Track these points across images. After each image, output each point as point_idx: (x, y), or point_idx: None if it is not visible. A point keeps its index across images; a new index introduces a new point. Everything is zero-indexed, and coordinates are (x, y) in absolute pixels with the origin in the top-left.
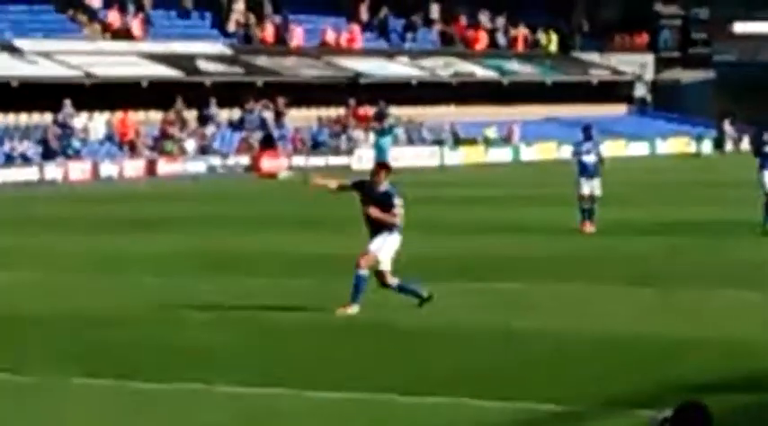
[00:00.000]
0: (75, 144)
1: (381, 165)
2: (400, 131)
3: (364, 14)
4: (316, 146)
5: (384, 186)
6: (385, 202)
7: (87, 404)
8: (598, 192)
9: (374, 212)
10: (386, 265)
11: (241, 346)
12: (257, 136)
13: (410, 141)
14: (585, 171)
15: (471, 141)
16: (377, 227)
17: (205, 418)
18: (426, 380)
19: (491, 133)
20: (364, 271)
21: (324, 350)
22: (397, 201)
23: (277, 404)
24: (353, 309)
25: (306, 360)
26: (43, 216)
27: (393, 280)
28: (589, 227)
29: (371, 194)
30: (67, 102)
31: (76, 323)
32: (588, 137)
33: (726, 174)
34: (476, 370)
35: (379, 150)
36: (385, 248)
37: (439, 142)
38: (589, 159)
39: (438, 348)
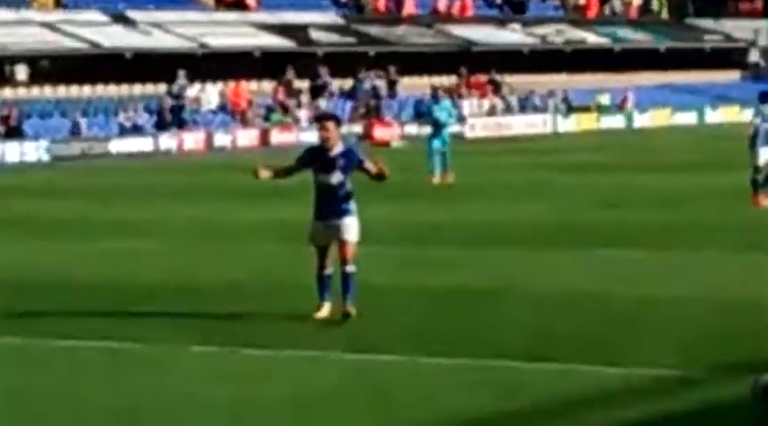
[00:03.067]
0: (189, 114)
1: (326, 117)
2: (513, 99)
3: None
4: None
5: (340, 147)
6: (347, 166)
7: (206, 371)
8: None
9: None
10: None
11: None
12: (370, 105)
13: (522, 109)
14: (762, 139)
15: (584, 108)
16: (338, 203)
17: (321, 384)
18: (541, 346)
19: (604, 100)
20: (351, 268)
21: (436, 316)
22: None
23: (390, 371)
24: (326, 310)
25: (419, 327)
26: (159, 185)
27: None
28: (764, 200)
29: (326, 160)
30: (182, 73)
31: (193, 292)
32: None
33: None
34: (589, 337)
35: (434, 122)
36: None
37: (552, 109)
38: (763, 125)
39: (557, 313)
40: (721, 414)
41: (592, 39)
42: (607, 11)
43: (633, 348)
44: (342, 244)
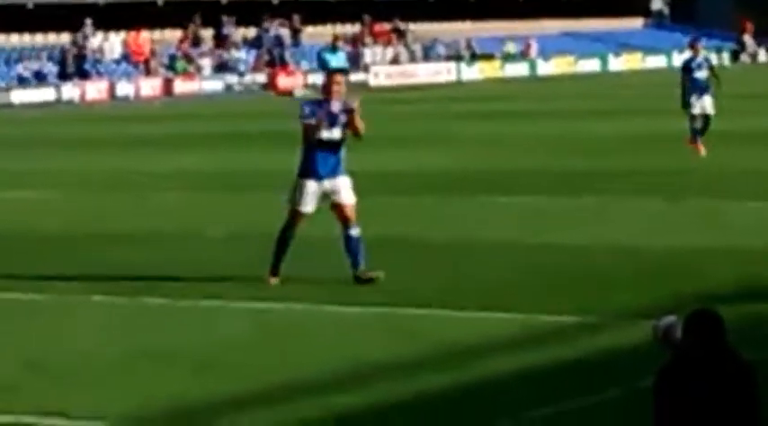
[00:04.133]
0: (91, 64)
1: (338, 69)
2: (417, 48)
3: None
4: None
5: (341, 101)
6: (346, 121)
7: (106, 321)
8: (711, 111)
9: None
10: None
11: (261, 262)
12: (273, 54)
13: (426, 57)
14: (696, 87)
15: (488, 56)
16: (339, 161)
17: (222, 331)
18: (445, 294)
19: (511, 48)
20: (358, 229)
21: (340, 265)
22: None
23: (296, 318)
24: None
25: (329, 276)
26: (61, 136)
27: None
28: (702, 148)
29: (330, 115)
30: (88, 22)
31: (96, 242)
32: (696, 51)
33: (742, 86)
34: (492, 284)
35: (326, 67)
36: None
37: (455, 58)
38: (701, 75)
39: (459, 262)
40: (618, 358)
41: None
42: None
43: (533, 295)
44: (343, 205)
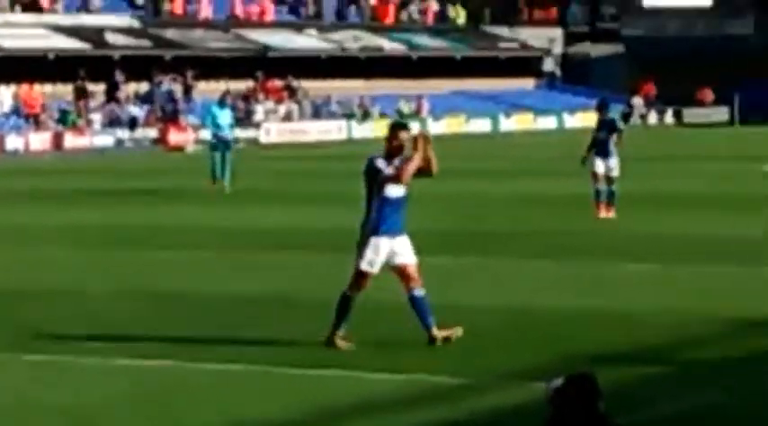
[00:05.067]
0: None
1: (401, 126)
2: (309, 105)
3: None
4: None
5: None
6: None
7: None
8: (615, 173)
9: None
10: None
11: (145, 319)
12: (165, 109)
13: (318, 115)
14: (600, 149)
15: (380, 115)
16: (403, 217)
17: (102, 389)
18: (324, 353)
19: (405, 107)
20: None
21: (227, 323)
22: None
23: (176, 376)
24: (456, 330)
25: (210, 334)
26: None
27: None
28: (605, 212)
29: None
30: None
31: None
32: (604, 113)
33: (632, 149)
34: (365, 343)
35: (214, 123)
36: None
37: (347, 116)
38: (602, 135)
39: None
40: (501, 419)
41: (388, 45)
42: (404, 17)
43: (415, 354)
44: (408, 265)
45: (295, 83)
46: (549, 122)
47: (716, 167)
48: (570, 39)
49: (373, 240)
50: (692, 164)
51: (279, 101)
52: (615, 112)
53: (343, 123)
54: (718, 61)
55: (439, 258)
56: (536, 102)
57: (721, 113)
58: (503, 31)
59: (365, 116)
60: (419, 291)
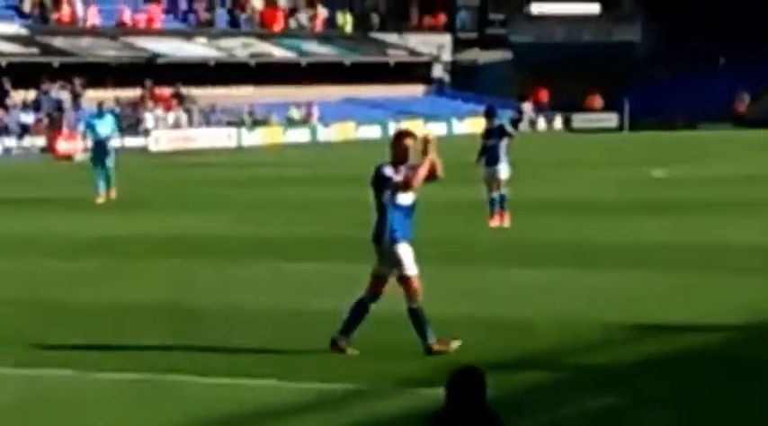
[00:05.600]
0: None
1: (407, 133)
2: (198, 112)
3: None
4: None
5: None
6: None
7: None
8: (503, 175)
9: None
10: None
11: (30, 329)
12: (53, 117)
13: (207, 122)
14: (490, 156)
15: (269, 122)
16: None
17: None
18: (216, 360)
19: (295, 114)
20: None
21: (112, 332)
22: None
23: (65, 385)
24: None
25: (94, 343)
26: None
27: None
28: (498, 220)
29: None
30: None
31: None
32: (491, 120)
33: (522, 155)
34: (265, 351)
35: (93, 133)
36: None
37: (236, 123)
38: (491, 142)
39: (237, 327)
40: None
41: (278, 52)
42: (293, 25)
43: (304, 362)
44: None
45: (184, 90)
46: (438, 128)
47: (605, 173)
48: (459, 45)
49: (402, 245)
50: (581, 170)
51: (168, 108)
52: (504, 118)
53: (233, 130)
54: (606, 67)
55: (323, 264)
56: (425, 109)
57: (610, 119)
58: (392, 37)
59: (254, 123)
60: (415, 303)
